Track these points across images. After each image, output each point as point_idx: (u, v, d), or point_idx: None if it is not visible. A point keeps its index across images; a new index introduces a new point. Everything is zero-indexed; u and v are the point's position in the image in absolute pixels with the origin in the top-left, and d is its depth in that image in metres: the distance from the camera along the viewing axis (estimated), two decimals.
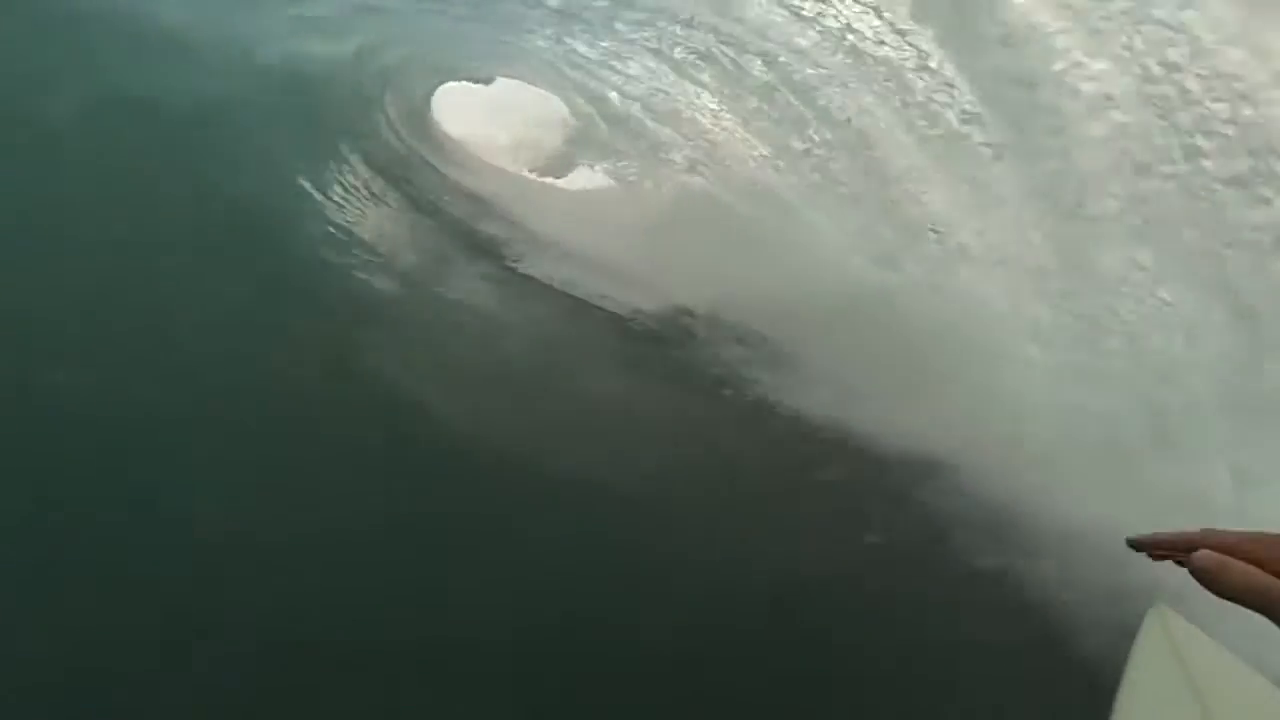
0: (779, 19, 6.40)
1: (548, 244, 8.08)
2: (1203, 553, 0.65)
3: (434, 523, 4.05)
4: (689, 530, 4.55)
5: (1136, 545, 0.73)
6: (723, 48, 7.28)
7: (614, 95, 9.21)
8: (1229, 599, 0.64)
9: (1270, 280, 4.92)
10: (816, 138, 7.61)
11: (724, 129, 8.72)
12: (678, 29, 7.28)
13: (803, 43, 6.57)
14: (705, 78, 8.02)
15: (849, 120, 6.94)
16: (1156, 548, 0.71)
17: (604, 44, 8.22)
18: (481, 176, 9.81)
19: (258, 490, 3.82)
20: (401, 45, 9.40)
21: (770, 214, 8.44)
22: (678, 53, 7.81)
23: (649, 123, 9.30)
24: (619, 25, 7.78)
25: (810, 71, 6.82)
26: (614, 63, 8.76)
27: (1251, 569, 0.63)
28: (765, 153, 8.49)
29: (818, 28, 6.29)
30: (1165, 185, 5.05)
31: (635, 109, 9.27)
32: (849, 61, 6.32)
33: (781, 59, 6.84)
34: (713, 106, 8.48)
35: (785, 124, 7.79)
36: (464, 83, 10.46)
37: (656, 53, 8.08)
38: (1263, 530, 0.66)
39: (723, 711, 3.57)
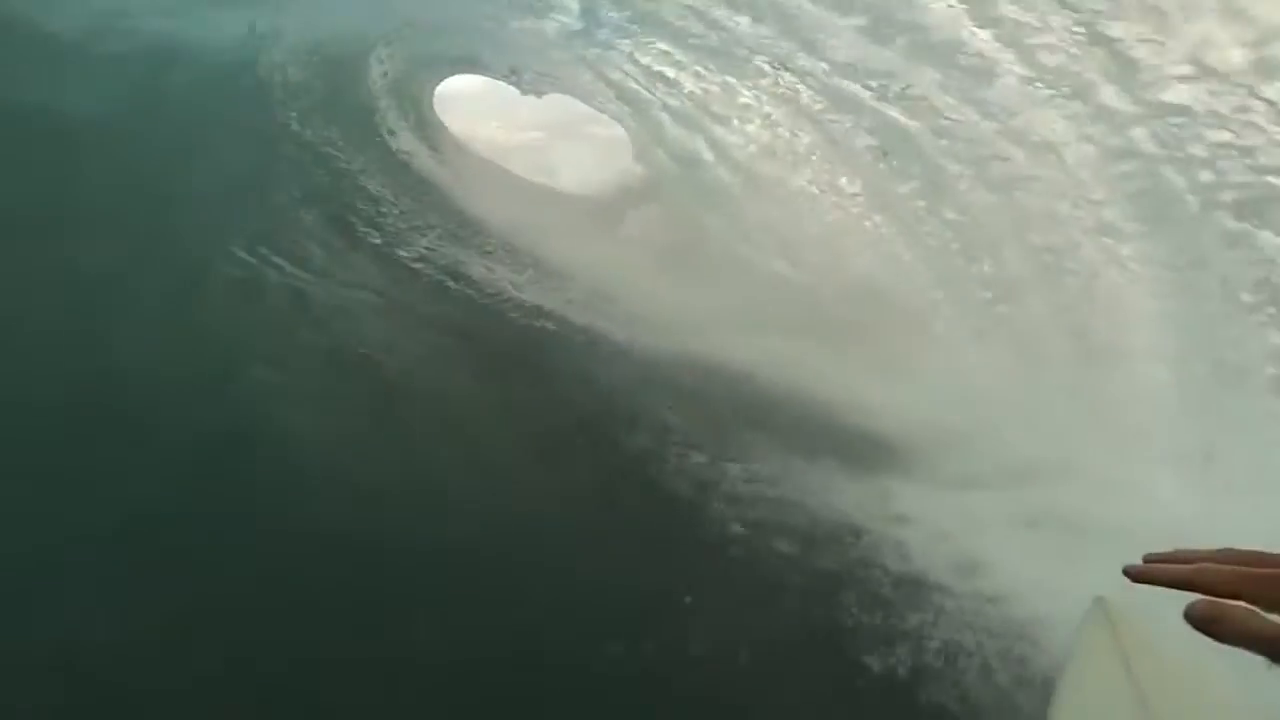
0: (1057, 124, 4.22)
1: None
2: (1197, 601, 0.62)
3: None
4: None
5: (1134, 577, 0.69)
6: (912, 122, 5.07)
7: (703, 146, 6.89)
8: (1227, 644, 0.60)
9: None
10: (998, 274, 5.49)
11: (849, 218, 6.50)
12: (868, 92, 5.02)
13: (1067, 155, 4.43)
14: (862, 161, 5.78)
15: (1090, 273, 4.83)
16: (1154, 583, 0.67)
17: (728, 80, 5.91)
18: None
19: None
20: (432, 33, 6.90)
21: (879, 319, 6.42)
22: (835, 117, 5.57)
23: (739, 192, 7.01)
24: (763, 64, 5.49)
25: (1055, 199, 4.68)
26: (718, 107, 6.46)
27: (1249, 614, 0.60)
28: (906, 258, 6.28)
29: (1113, 143, 4.15)
30: None
31: (724, 170, 6.97)
32: (1147, 202, 4.21)
33: (1023, 171, 4.67)
34: (850, 190, 6.27)
35: (956, 244, 5.63)
36: (495, 81, 7.95)
37: (794, 105, 5.81)
38: (1264, 552, 0.62)
39: None
